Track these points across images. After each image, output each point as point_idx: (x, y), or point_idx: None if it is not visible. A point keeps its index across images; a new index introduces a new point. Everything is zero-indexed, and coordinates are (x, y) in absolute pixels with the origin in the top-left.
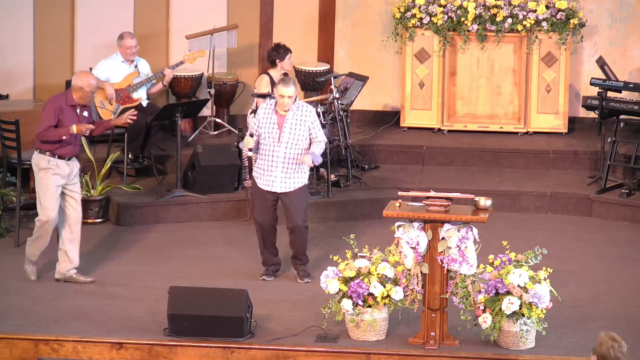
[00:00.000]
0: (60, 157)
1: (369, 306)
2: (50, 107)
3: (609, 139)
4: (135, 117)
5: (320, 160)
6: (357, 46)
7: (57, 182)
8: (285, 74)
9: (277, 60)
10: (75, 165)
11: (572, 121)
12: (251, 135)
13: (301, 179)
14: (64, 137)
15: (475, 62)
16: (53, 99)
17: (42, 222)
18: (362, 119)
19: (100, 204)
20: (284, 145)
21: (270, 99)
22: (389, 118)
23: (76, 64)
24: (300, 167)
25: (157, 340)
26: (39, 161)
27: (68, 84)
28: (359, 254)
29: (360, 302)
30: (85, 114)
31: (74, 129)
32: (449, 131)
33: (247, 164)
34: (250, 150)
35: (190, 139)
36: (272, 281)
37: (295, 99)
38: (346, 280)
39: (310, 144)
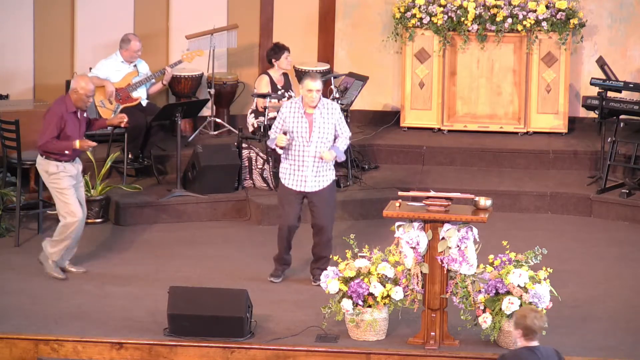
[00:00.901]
0: (66, 161)
1: (369, 306)
2: (52, 116)
3: (609, 139)
4: (127, 120)
5: (343, 156)
6: (357, 46)
7: (71, 183)
8: (285, 74)
9: (273, 60)
10: (79, 165)
11: (572, 121)
12: (285, 134)
13: (330, 175)
14: (66, 152)
15: (475, 62)
16: (55, 108)
17: (70, 224)
18: (362, 119)
19: (100, 204)
20: (314, 144)
21: (292, 98)
22: (389, 118)
23: (76, 64)
24: (328, 164)
25: (157, 340)
26: (48, 167)
27: (68, 84)
28: (359, 254)
29: (360, 302)
30: (85, 114)
31: (77, 144)
32: (449, 131)
33: (247, 164)
34: (282, 148)
35: (190, 139)
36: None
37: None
38: (346, 280)
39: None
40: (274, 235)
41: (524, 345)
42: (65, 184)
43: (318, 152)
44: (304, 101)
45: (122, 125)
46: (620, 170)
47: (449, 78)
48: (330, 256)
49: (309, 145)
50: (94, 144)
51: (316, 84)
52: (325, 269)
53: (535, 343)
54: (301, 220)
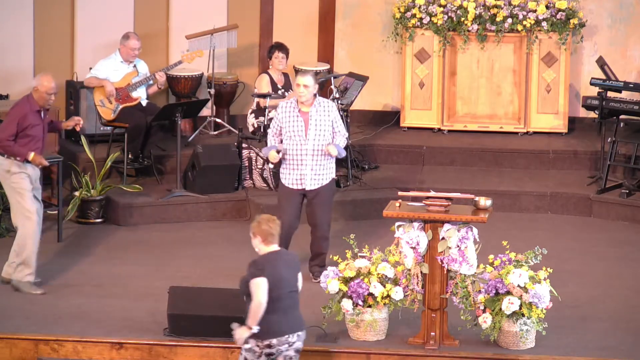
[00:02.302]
0: (27, 162)
1: (369, 306)
2: (14, 114)
3: (609, 139)
4: (82, 124)
5: (343, 152)
6: (357, 46)
7: (30, 185)
8: (285, 74)
9: (268, 60)
10: (37, 171)
11: (572, 121)
12: (278, 152)
13: (329, 174)
14: (17, 158)
15: (475, 62)
16: (19, 106)
17: (30, 225)
18: (362, 119)
19: (100, 204)
20: (312, 142)
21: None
22: (389, 118)
23: (76, 64)
24: (328, 162)
25: (157, 340)
26: (10, 166)
27: (68, 84)
28: (359, 254)
29: (360, 302)
30: (48, 115)
31: (31, 156)
32: (449, 131)
33: (247, 164)
34: (272, 164)
35: (190, 139)
36: None
37: (313, 93)
38: (346, 280)
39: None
40: None
41: (267, 251)
42: (27, 185)
43: (316, 149)
44: (297, 98)
45: (77, 129)
46: (620, 171)
47: (449, 78)
48: (330, 256)
49: (306, 143)
50: (46, 163)
51: (304, 79)
52: (324, 265)
53: (275, 247)
54: (300, 219)
